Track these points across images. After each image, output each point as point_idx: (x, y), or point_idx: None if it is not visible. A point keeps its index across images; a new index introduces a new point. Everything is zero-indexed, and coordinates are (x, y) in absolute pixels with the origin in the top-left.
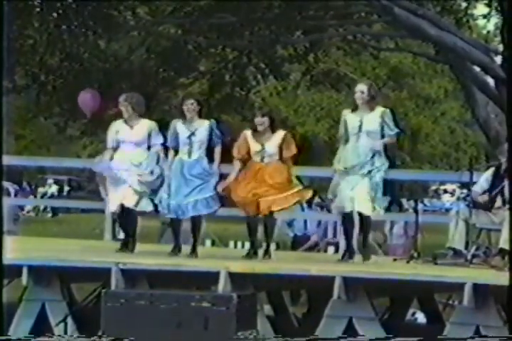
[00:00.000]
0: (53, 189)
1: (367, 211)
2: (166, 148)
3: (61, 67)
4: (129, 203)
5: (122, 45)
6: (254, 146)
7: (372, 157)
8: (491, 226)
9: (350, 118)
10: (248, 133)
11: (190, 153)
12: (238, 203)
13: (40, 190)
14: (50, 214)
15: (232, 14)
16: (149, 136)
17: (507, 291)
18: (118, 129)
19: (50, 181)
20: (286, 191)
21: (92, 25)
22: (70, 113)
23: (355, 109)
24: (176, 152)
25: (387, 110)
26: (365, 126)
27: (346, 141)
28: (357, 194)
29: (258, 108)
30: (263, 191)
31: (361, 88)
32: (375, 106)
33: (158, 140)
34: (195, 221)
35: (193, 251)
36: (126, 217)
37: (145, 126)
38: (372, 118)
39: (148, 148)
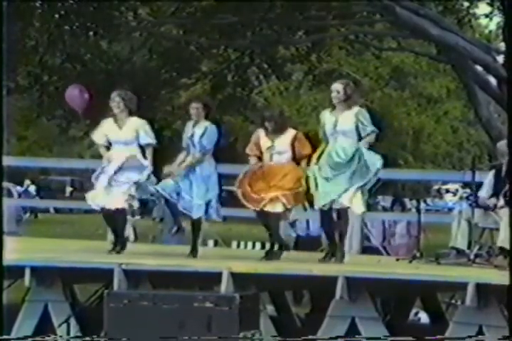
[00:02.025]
0: (31, 189)
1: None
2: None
3: (63, 68)
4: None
5: (124, 46)
6: (265, 143)
7: (352, 157)
8: (493, 225)
9: (327, 118)
10: (261, 130)
11: (194, 155)
12: (243, 195)
13: (19, 189)
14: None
15: (234, 14)
16: (138, 134)
17: (507, 291)
18: (108, 129)
19: (27, 182)
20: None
21: (94, 26)
22: (73, 114)
23: (333, 109)
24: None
25: (362, 109)
26: (340, 126)
27: (326, 141)
28: (339, 192)
29: (266, 110)
30: (268, 188)
31: (336, 87)
32: (352, 105)
33: (146, 140)
34: (197, 221)
35: (193, 251)
36: (116, 216)
37: (133, 124)
38: (347, 118)
39: (140, 147)
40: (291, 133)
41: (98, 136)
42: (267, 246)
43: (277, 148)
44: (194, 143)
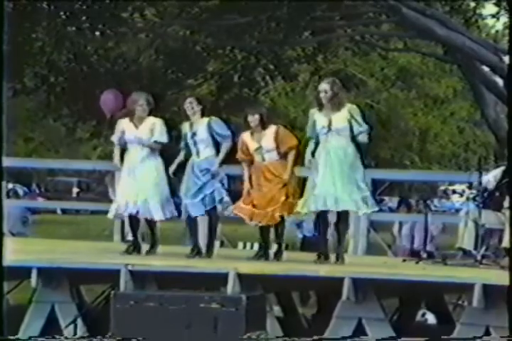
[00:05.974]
0: (9, 186)
1: (351, 208)
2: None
3: (70, 68)
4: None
5: (130, 47)
6: (252, 145)
7: (345, 158)
8: (500, 226)
9: (318, 118)
10: (246, 134)
11: (198, 153)
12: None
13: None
14: None
15: (241, 15)
16: (152, 133)
17: (507, 291)
18: (124, 129)
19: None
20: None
21: (100, 27)
22: (79, 114)
23: (321, 108)
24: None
25: (354, 106)
26: (334, 125)
27: (317, 140)
28: (338, 192)
29: (249, 106)
30: (276, 194)
31: (324, 87)
32: (342, 102)
33: (161, 138)
34: (211, 219)
35: (208, 251)
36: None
37: (149, 123)
38: (341, 116)
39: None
40: (272, 129)
41: (116, 137)
42: (275, 247)
43: (265, 147)
44: (197, 141)
